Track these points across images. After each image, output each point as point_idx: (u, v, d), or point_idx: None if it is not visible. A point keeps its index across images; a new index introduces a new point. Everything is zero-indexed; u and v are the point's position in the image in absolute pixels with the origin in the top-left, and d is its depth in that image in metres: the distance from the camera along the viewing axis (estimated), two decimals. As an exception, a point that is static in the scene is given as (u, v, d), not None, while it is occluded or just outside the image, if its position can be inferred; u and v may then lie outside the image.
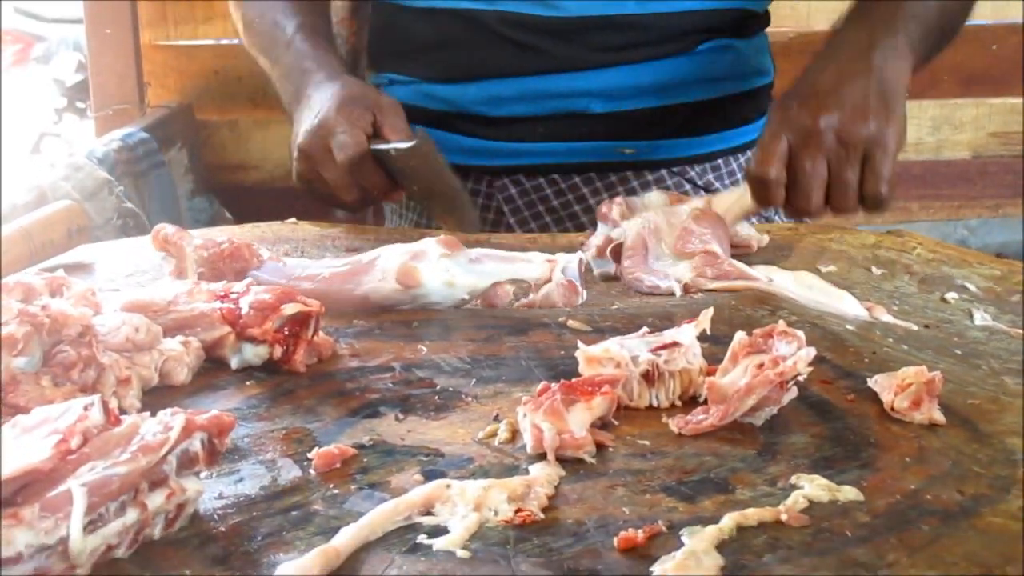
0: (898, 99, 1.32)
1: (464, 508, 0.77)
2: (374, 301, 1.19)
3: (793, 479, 0.84)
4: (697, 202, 1.35)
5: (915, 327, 1.20)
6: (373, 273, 1.19)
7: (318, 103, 1.46)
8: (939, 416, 0.94)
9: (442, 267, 1.20)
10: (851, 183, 1.30)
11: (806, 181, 1.28)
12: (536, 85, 1.63)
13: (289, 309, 1.04)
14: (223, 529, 0.77)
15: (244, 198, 2.94)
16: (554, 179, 1.66)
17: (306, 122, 1.45)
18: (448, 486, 0.79)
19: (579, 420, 0.89)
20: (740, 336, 0.97)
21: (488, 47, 1.64)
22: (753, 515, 0.77)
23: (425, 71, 1.73)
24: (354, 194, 1.43)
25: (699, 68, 1.61)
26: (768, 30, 1.81)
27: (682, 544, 0.74)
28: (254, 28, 1.71)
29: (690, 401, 0.98)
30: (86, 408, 0.75)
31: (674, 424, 0.92)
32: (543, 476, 0.81)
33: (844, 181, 1.29)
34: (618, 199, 1.34)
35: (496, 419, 0.94)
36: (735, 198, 1.36)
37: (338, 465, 0.86)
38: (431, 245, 1.21)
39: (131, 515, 0.72)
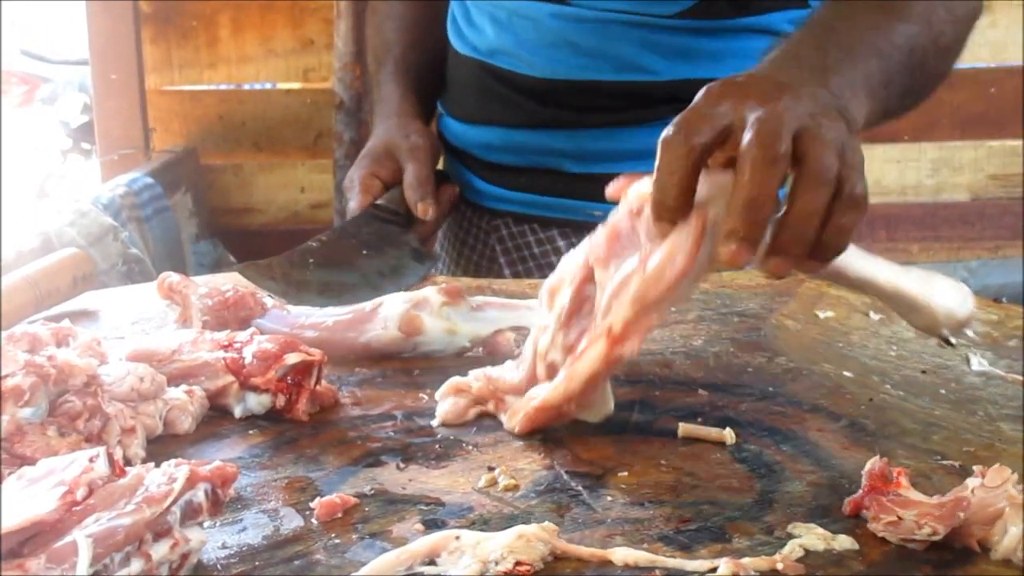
0: (858, 144, 1.02)
1: (467, 559, 0.78)
2: (376, 349, 1.20)
3: (789, 528, 0.85)
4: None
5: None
6: (375, 321, 1.21)
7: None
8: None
9: (443, 315, 1.21)
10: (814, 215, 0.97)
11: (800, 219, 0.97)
12: (517, 138, 1.67)
13: (292, 358, 1.05)
14: (226, 579, 0.78)
15: (248, 241, 2.96)
16: (535, 228, 1.70)
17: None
18: (458, 537, 0.80)
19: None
20: None
21: (481, 95, 1.70)
22: (749, 564, 0.78)
23: (448, 106, 1.79)
24: None
25: None
26: None
27: (679, 593, 0.75)
28: (369, 58, 1.89)
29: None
30: (91, 459, 0.76)
31: None
32: (542, 528, 0.82)
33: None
34: None
35: (490, 469, 0.95)
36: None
37: (340, 514, 0.87)
38: (432, 293, 1.22)
39: (136, 565, 0.73)
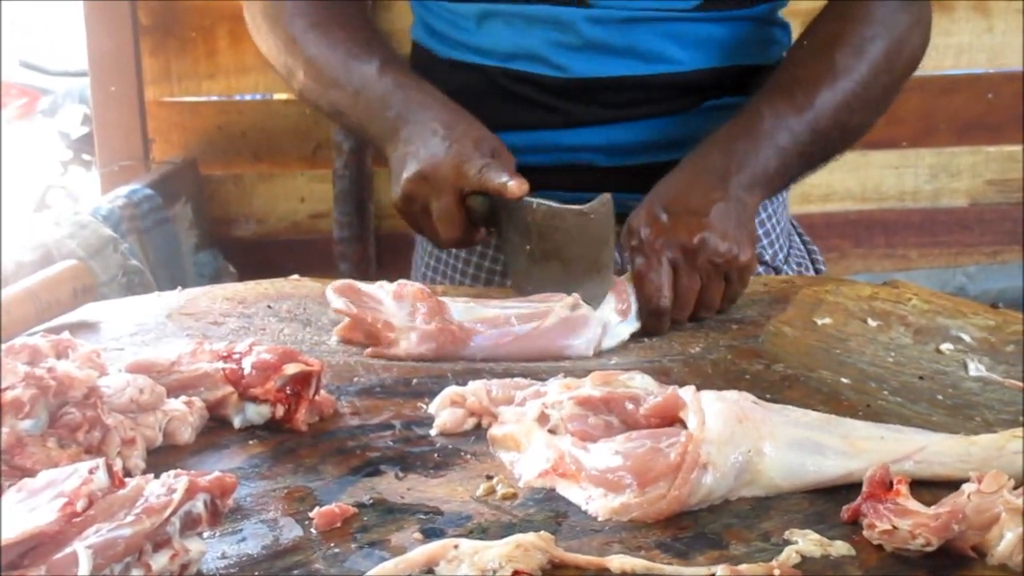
0: (752, 227, 1.44)
1: (466, 567, 0.78)
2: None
3: (786, 534, 0.85)
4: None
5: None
6: (579, 342, 1.28)
7: (430, 144, 1.47)
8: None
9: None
10: (716, 300, 1.39)
11: (685, 297, 1.36)
12: (544, 139, 1.69)
13: (291, 369, 1.06)
14: (226, 589, 0.78)
15: (248, 252, 2.96)
16: None
17: (413, 164, 1.46)
18: (456, 546, 0.80)
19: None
20: None
21: (500, 101, 1.71)
22: (747, 570, 0.79)
23: None
24: (451, 244, 1.50)
25: (705, 125, 1.64)
26: None
27: (676, 600, 0.75)
28: (318, 63, 1.68)
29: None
30: (91, 471, 0.76)
31: None
32: (539, 537, 0.82)
33: (711, 297, 1.38)
34: None
35: (489, 478, 0.95)
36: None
37: (339, 524, 0.87)
38: (612, 315, 1.34)
39: (135, 576, 0.74)
